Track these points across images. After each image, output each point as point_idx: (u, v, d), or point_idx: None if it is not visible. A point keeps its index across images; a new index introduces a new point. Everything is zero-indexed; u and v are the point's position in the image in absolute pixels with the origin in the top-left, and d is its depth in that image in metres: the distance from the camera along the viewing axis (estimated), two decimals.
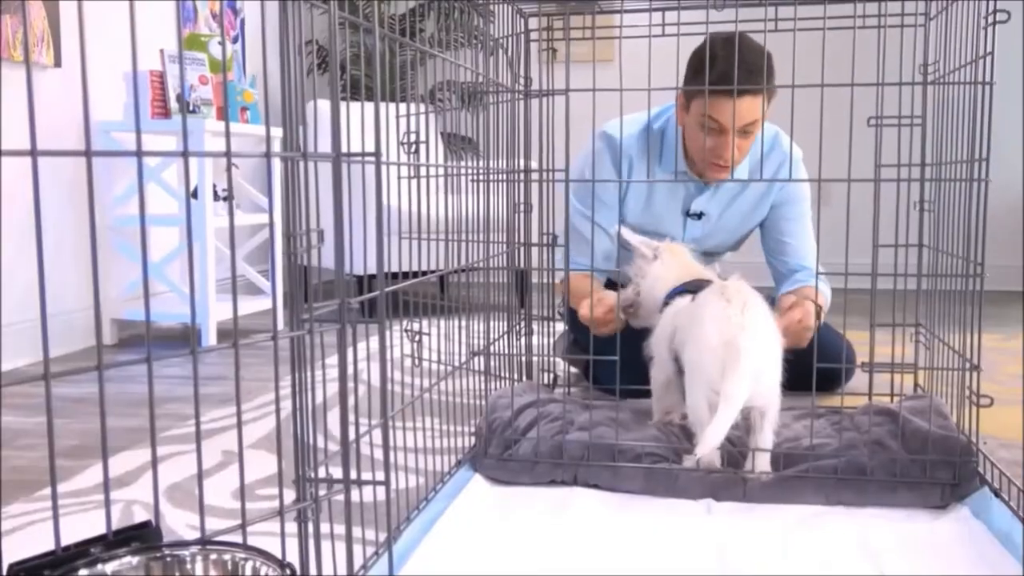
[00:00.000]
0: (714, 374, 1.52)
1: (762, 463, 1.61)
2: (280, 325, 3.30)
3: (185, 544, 0.94)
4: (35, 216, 0.71)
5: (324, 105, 3.81)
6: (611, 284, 2.28)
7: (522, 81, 2.08)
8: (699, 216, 2.30)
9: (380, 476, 1.07)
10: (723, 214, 2.31)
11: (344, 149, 1.01)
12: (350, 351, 1.81)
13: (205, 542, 0.93)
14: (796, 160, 2.22)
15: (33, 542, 1.40)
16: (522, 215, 2.10)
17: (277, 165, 3.12)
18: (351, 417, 1.81)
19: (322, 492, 1.03)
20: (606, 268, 2.26)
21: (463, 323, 1.88)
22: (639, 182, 2.22)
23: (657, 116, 2.26)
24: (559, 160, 1.86)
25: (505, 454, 1.68)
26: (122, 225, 3.18)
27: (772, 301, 2.04)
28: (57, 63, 2.93)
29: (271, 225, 0.97)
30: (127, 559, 0.90)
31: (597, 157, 2.17)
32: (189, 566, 0.92)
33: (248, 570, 0.92)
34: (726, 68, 1.80)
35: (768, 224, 2.34)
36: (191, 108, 3.17)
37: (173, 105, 3.14)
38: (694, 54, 2.03)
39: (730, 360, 1.51)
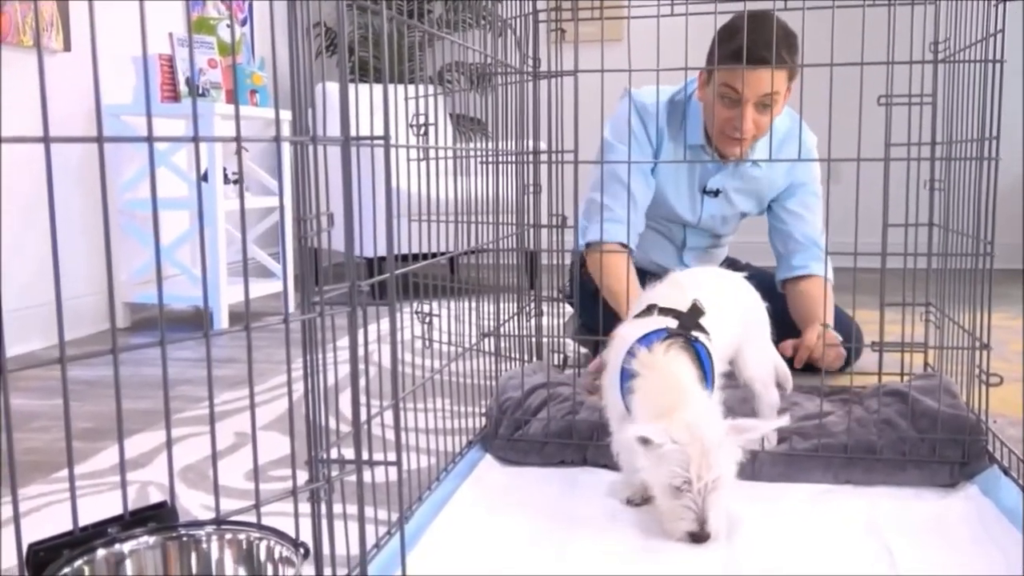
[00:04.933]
0: None
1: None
2: (292, 307, 3.31)
3: (201, 524, 0.95)
4: (48, 202, 0.72)
5: (333, 88, 3.81)
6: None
7: (531, 62, 2.08)
8: (715, 193, 2.29)
9: (392, 457, 1.08)
10: (739, 193, 2.31)
11: (353, 132, 1.01)
12: (361, 333, 1.82)
13: (220, 522, 0.95)
14: (810, 148, 2.22)
15: (51, 523, 1.42)
16: (531, 196, 2.11)
17: (287, 148, 3.12)
18: (362, 398, 1.82)
19: (334, 473, 1.04)
20: (632, 242, 2.20)
21: (473, 304, 1.89)
22: (645, 163, 2.22)
23: (682, 89, 2.25)
24: (568, 141, 1.86)
25: (515, 435, 1.69)
26: (132, 209, 3.19)
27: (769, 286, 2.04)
28: (67, 47, 2.93)
29: (280, 209, 0.98)
30: (144, 538, 0.91)
31: (627, 121, 2.14)
32: (205, 545, 0.93)
33: (263, 549, 0.93)
34: (748, 39, 1.79)
35: (776, 204, 2.33)
36: (201, 92, 3.17)
37: (183, 88, 3.14)
38: (721, 27, 1.98)
39: None
